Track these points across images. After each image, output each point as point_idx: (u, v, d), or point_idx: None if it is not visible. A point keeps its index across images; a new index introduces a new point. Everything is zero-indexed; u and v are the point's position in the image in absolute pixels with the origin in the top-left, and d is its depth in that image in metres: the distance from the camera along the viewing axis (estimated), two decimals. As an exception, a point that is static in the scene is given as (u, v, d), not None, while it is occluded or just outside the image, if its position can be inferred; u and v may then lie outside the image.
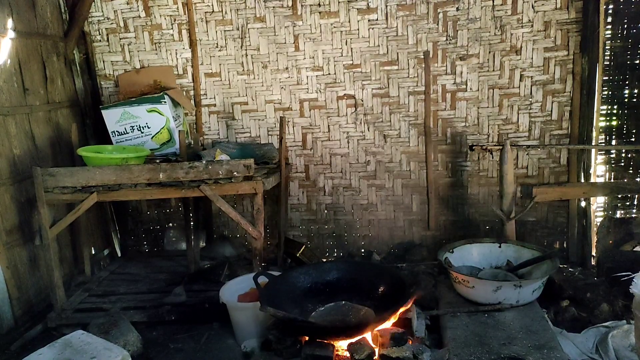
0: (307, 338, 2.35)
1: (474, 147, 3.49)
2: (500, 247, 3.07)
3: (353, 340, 2.29)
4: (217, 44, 3.70)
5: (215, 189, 2.92)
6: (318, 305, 2.65)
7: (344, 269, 2.82)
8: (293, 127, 3.77)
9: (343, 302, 2.68)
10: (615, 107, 3.50)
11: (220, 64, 3.73)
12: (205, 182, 2.90)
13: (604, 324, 2.63)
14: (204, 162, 2.93)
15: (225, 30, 3.68)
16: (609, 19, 3.36)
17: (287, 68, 3.68)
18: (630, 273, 2.49)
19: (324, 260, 3.84)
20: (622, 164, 3.55)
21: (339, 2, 3.54)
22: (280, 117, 3.49)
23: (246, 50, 3.69)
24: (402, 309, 2.39)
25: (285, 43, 3.65)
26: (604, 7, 3.27)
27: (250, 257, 3.22)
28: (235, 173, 2.90)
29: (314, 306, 2.64)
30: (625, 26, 3.39)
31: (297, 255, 3.55)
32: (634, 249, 3.28)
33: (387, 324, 2.37)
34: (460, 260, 2.96)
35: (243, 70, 3.72)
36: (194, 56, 3.72)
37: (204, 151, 3.36)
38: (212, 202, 3.06)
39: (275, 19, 3.62)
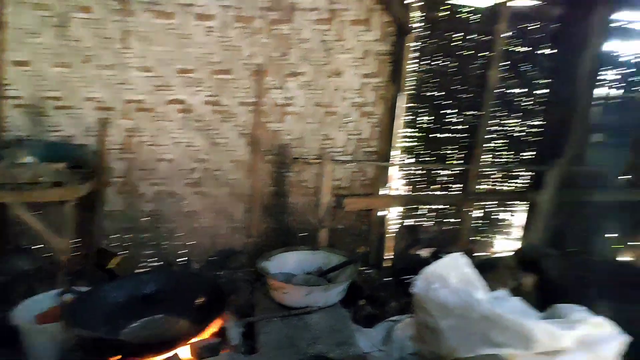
0: (119, 357, 2.28)
1: (297, 160, 3.75)
2: (313, 253, 3.25)
3: (169, 354, 2.25)
4: (31, 29, 3.26)
5: (16, 195, 2.63)
6: (133, 320, 2.53)
7: (162, 280, 2.72)
8: (115, 128, 3.51)
9: (160, 315, 2.61)
10: (414, 130, 4.10)
11: (33, 53, 3.30)
12: (4, 187, 2.59)
13: (391, 319, 3.01)
14: (3, 163, 2.61)
15: (42, 16, 3.26)
16: (416, 54, 3.90)
17: (112, 65, 3.43)
18: (412, 276, 2.99)
19: (141, 271, 3.64)
20: (416, 180, 4.20)
21: (175, 4, 3.43)
22: (102, 118, 3.26)
23: (66, 40, 3.33)
24: (218, 319, 2.43)
25: (112, 38, 3.39)
26: (410, 44, 3.81)
27: (54, 270, 2.94)
28: (43, 178, 2.65)
29: (128, 322, 2.51)
30: (427, 62, 3.99)
31: (110, 267, 3.29)
32: (417, 252, 3.93)
33: (204, 335, 2.38)
34: (277, 267, 3.07)
35: (60, 62, 3.35)
36: (0, 41, 3.22)
37: (5, 150, 2.95)
38: (8, 209, 2.73)
39: (104, 11, 3.34)
